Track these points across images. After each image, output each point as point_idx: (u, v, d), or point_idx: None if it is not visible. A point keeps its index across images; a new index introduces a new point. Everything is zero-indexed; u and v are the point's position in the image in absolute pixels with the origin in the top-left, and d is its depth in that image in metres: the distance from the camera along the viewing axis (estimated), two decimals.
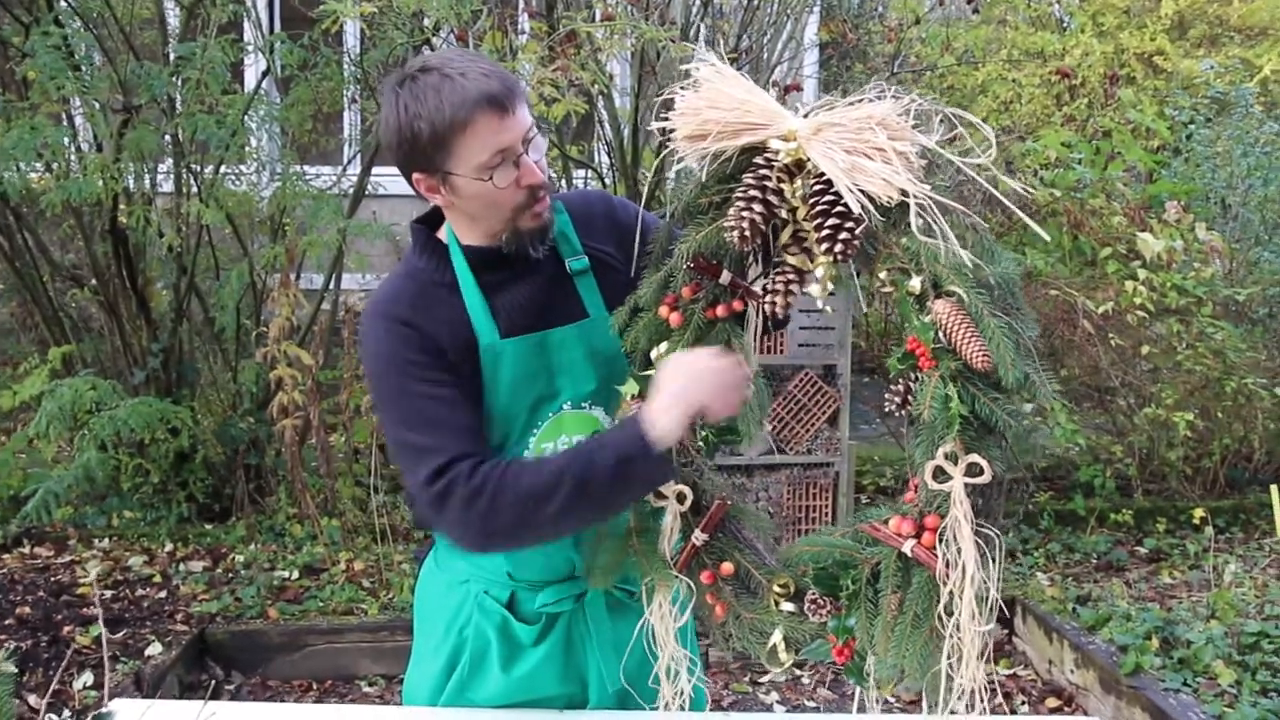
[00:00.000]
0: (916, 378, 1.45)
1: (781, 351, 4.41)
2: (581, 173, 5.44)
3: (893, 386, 1.47)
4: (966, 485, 1.38)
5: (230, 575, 4.43)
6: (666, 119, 1.60)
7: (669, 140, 1.63)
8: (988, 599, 1.37)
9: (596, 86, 4.71)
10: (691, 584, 1.57)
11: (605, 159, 5.41)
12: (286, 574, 4.39)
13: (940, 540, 1.39)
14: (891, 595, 1.41)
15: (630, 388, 1.62)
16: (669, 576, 1.56)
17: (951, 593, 1.37)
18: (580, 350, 1.72)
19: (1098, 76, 6.50)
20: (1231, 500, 5.39)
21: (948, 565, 1.38)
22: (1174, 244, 4.93)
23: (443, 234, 1.74)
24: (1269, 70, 7.16)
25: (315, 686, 3.89)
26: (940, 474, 1.40)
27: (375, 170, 5.09)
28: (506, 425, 1.70)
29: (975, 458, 1.38)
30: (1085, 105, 6.33)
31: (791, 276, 1.61)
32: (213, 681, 3.84)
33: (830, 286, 1.60)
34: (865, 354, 5.69)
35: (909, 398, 1.46)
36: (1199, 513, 5.12)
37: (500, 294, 1.70)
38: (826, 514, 4.59)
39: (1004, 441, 1.43)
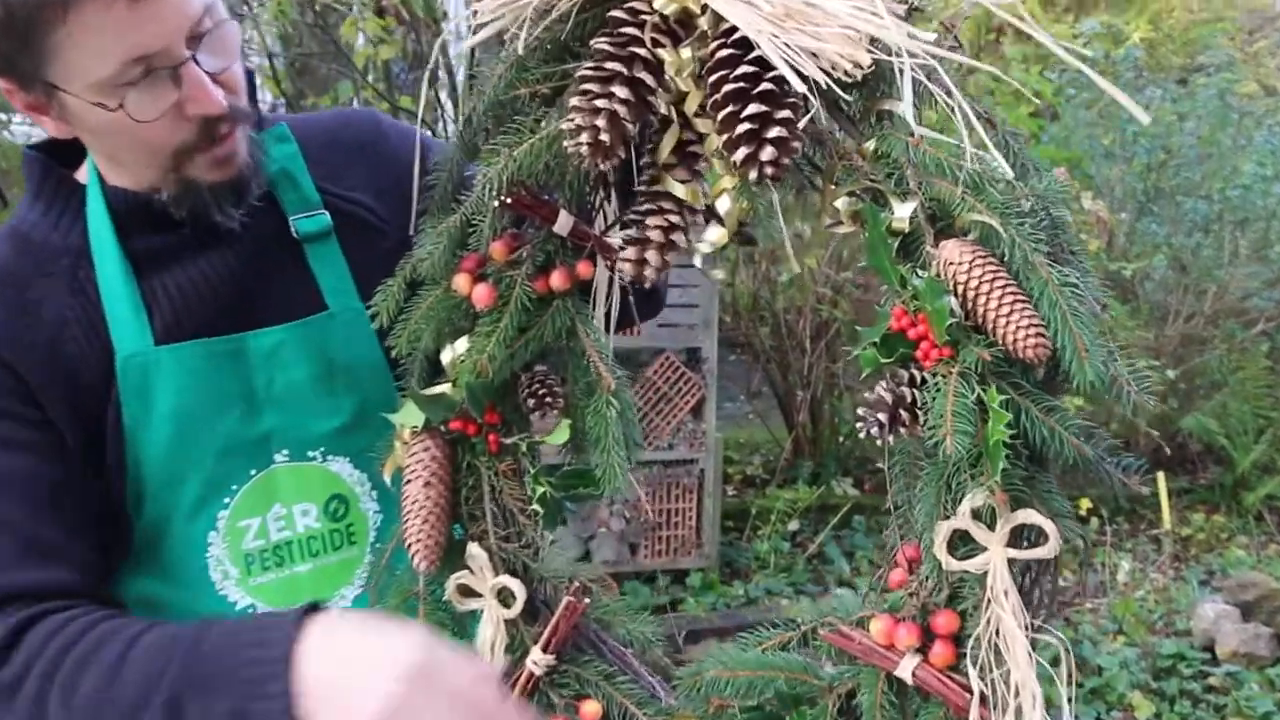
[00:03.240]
0: (919, 379, 0.86)
1: (637, 333, 3.64)
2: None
3: (870, 395, 0.87)
4: (1013, 562, 0.80)
5: None
6: None
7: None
8: None
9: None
10: None
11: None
12: None
13: (965, 656, 0.81)
14: None
15: (408, 417, 0.97)
16: None
17: None
18: (307, 365, 1.08)
19: (968, 38, 6.19)
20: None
21: (984, 701, 0.79)
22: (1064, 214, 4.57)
23: (83, 172, 1.05)
24: (1138, 37, 6.97)
25: None
26: (964, 543, 0.82)
27: None
28: (168, 494, 1.02)
29: (1029, 514, 0.80)
30: (958, 66, 5.99)
31: (674, 218, 0.95)
32: None
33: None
34: (731, 329, 5.16)
35: (902, 412, 0.86)
36: (1085, 503, 4.80)
37: (164, 270, 1.04)
38: (691, 517, 4.04)
39: (1054, 482, 0.86)
